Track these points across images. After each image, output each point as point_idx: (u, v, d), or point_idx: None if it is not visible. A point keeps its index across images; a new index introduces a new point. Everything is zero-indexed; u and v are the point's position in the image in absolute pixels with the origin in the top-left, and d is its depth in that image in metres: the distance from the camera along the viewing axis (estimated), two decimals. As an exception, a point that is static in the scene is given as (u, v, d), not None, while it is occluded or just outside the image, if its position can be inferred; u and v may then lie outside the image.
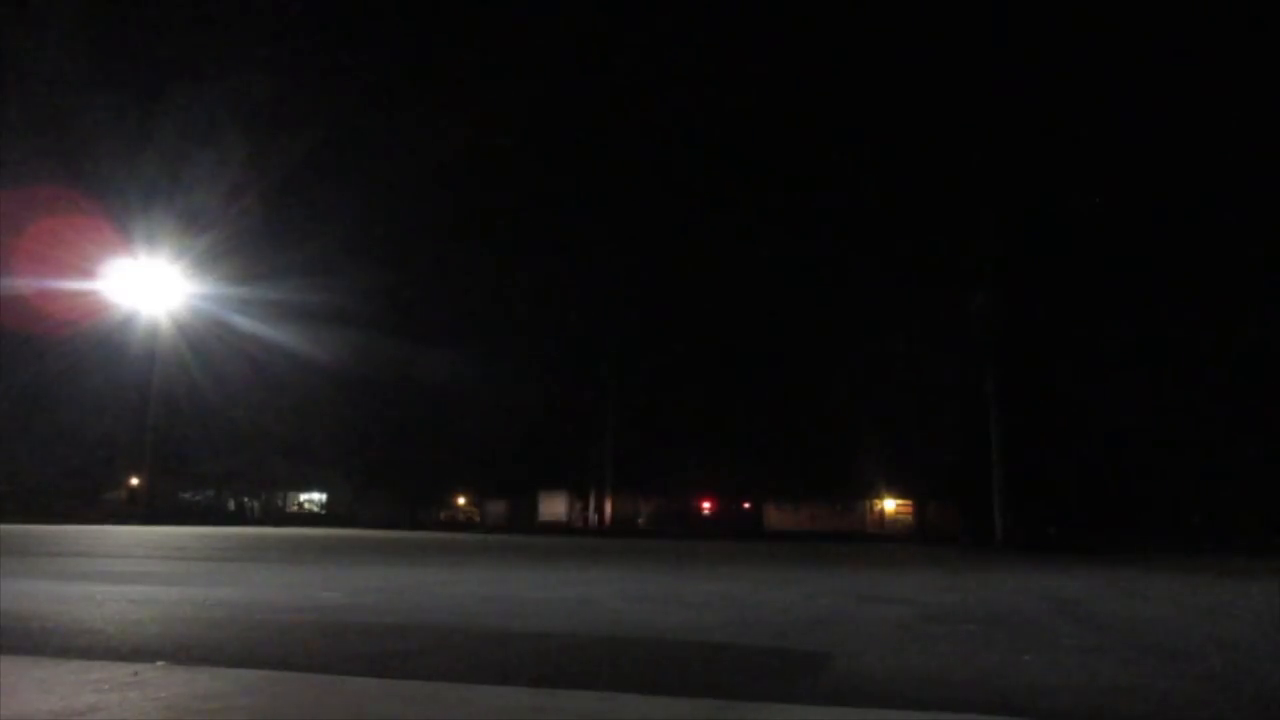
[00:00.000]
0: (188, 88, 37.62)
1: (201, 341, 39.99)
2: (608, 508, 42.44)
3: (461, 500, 50.71)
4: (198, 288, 38.82)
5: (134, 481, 45.14)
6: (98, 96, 37.39)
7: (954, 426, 34.08)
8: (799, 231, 38.29)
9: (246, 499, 51.55)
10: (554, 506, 45.78)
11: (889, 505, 42.78)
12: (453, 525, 44.97)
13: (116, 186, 36.46)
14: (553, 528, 42.09)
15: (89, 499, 45.90)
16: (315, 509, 51.91)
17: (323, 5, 42.91)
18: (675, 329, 40.26)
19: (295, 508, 51.99)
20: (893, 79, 36.01)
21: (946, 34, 34.31)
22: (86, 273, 35.49)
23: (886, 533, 40.11)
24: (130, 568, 10.26)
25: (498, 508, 47.35)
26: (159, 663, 3.96)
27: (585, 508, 43.66)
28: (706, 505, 44.39)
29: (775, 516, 42.89)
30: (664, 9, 39.58)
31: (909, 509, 42.04)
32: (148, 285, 37.83)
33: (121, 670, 3.75)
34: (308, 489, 52.78)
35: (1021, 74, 32.59)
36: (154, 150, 36.82)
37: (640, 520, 43.44)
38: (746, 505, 43.47)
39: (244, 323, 39.50)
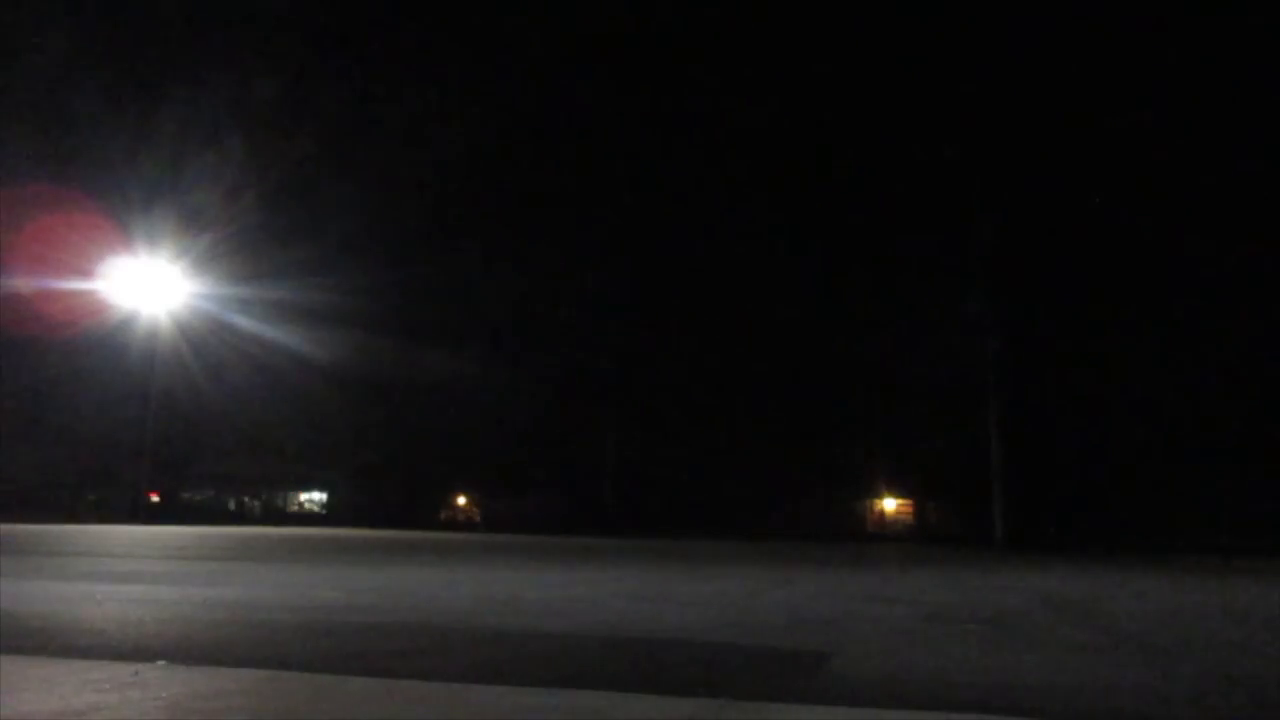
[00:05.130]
0: (188, 88, 37.65)
1: (201, 341, 40.02)
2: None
3: (462, 500, 50.67)
4: (198, 288, 38.84)
5: (134, 482, 45.14)
6: (98, 96, 37.41)
7: (954, 427, 34.08)
8: (799, 233, 38.31)
9: (246, 499, 51.54)
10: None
11: (889, 505, 42.74)
12: (453, 525, 44.97)
13: (116, 186, 36.50)
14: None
15: (88, 499, 45.95)
16: (315, 509, 51.89)
17: (323, 5, 42.90)
18: (676, 329, 40.26)
19: (295, 508, 51.96)
20: (891, 80, 36.01)
21: (944, 34, 34.32)
22: (86, 273, 35.53)
23: (886, 533, 40.08)
24: (130, 568, 10.27)
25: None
26: (159, 662, 3.96)
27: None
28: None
29: (774, 515, 42.83)
30: (664, 11, 39.60)
31: (909, 509, 42.01)
32: (148, 285, 37.84)
33: (122, 670, 3.75)
34: (308, 489, 52.76)
35: (1019, 74, 32.60)
36: (154, 150, 36.84)
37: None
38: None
39: (244, 323, 39.54)
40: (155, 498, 44.71)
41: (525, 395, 41.50)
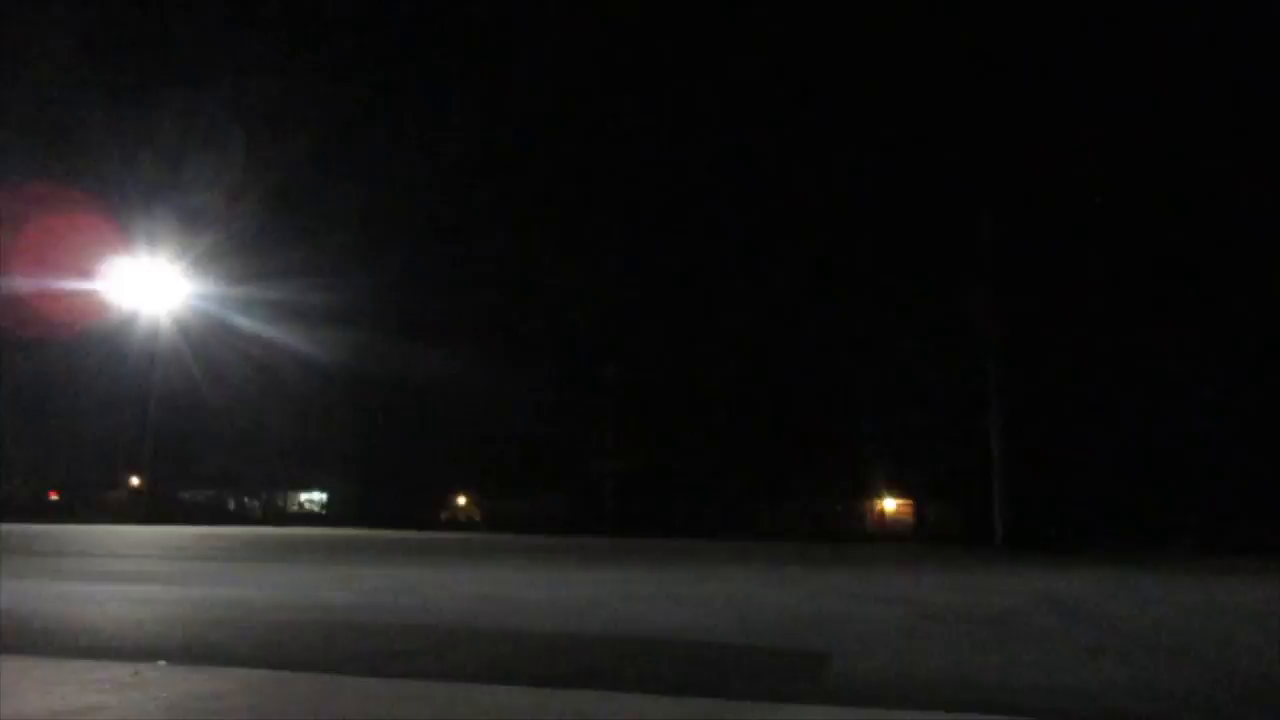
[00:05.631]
0: (188, 88, 37.67)
1: (202, 342, 40.00)
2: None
3: (462, 500, 50.67)
4: (198, 288, 38.82)
5: (134, 481, 45.15)
6: (98, 96, 37.44)
7: (954, 426, 34.06)
8: (799, 231, 38.34)
9: (246, 499, 51.54)
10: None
11: (889, 505, 42.74)
12: (453, 525, 44.96)
13: (116, 186, 36.51)
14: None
15: (89, 499, 45.97)
16: (315, 509, 51.88)
17: (323, 5, 42.91)
18: (675, 328, 40.28)
19: (295, 508, 51.96)
20: (891, 79, 36.02)
21: (944, 33, 34.32)
22: (86, 273, 35.51)
23: (886, 533, 40.06)
24: (130, 568, 10.27)
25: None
26: (159, 662, 3.96)
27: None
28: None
29: (774, 515, 42.82)
30: (665, 13, 39.62)
31: (909, 509, 42.01)
32: (148, 285, 37.82)
33: (122, 670, 3.74)
34: (308, 489, 52.76)
35: (1020, 72, 32.63)
36: (154, 150, 36.86)
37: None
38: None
39: (245, 323, 39.53)
40: (54, 496, 44.56)
41: (526, 395, 41.52)
